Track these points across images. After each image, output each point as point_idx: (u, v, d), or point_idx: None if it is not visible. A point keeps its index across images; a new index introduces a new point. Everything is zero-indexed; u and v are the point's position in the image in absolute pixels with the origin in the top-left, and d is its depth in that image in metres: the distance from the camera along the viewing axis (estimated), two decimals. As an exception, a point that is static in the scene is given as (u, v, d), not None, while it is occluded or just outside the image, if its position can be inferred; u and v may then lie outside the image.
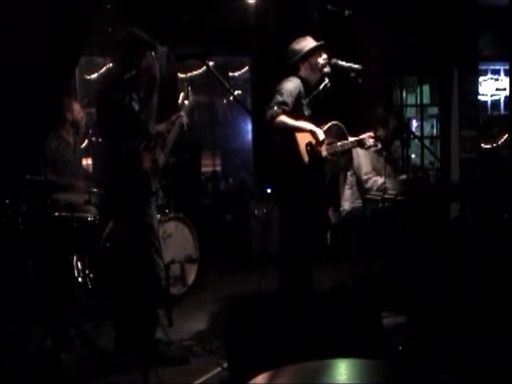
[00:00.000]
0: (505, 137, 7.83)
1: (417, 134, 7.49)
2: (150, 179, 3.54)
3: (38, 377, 3.33)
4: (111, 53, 3.64)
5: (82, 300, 4.14)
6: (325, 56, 4.02)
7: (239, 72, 7.84)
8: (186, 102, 4.23)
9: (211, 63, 5.55)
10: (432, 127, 7.95)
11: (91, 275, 4.32)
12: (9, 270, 4.03)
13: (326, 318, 2.51)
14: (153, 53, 3.52)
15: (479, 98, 7.56)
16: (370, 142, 4.22)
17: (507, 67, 7.18)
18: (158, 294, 3.61)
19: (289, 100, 3.88)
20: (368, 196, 4.69)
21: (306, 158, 3.84)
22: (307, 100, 4.05)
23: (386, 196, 4.48)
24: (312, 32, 4.19)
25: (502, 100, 8.12)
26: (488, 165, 7.24)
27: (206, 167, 7.33)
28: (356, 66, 4.00)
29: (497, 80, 8.02)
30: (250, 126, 7.81)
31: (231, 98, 7.76)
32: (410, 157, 7.19)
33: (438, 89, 7.46)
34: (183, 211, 4.87)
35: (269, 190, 6.36)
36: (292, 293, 3.48)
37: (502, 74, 7.98)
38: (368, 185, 4.79)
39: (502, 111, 8.12)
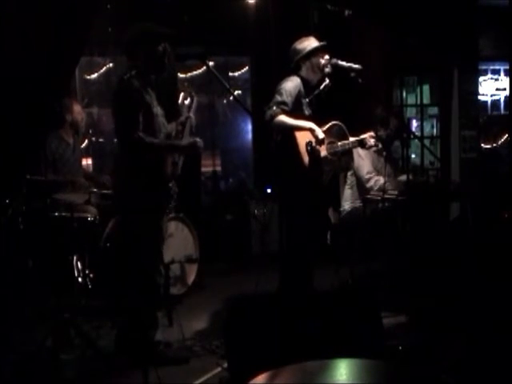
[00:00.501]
0: (505, 137, 7.83)
1: (417, 134, 7.48)
2: (171, 183, 3.51)
3: (38, 377, 3.33)
4: (127, 52, 3.54)
5: (82, 300, 4.14)
6: (326, 56, 4.02)
7: (239, 72, 7.84)
8: (186, 102, 4.22)
9: (211, 63, 5.54)
10: (432, 127, 7.94)
11: (91, 275, 4.32)
12: (9, 270, 4.04)
13: (326, 318, 2.51)
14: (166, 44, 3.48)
15: (479, 97, 7.56)
16: (371, 141, 4.22)
17: (507, 67, 7.17)
18: (157, 298, 3.60)
19: (288, 100, 3.88)
20: (368, 196, 4.69)
21: (306, 157, 3.84)
22: (307, 100, 4.05)
23: (386, 196, 4.48)
24: (312, 32, 4.20)
25: (502, 100, 8.12)
26: (488, 165, 7.25)
27: (206, 167, 7.32)
28: (356, 66, 4.00)
29: (497, 80, 8.02)
30: (249, 126, 7.81)
31: (231, 97, 7.76)
32: (410, 157, 7.19)
33: (438, 89, 7.45)
34: (183, 211, 4.87)
35: (269, 190, 6.36)
36: (292, 293, 3.48)
37: (502, 73, 7.98)
38: (369, 184, 4.79)
39: (502, 111, 8.12)
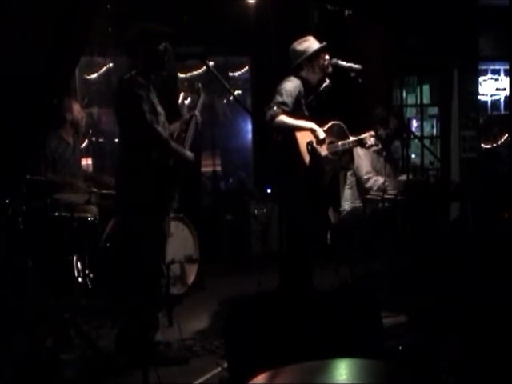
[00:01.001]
0: (505, 137, 7.82)
1: (417, 134, 7.48)
2: (175, 183, 3.52)
3: (38, 377, 3.33)
4: (128, 51, 3.54)
5: (82, 300, 4.13)
6: (326, 57, 4.02)
7: (239, 72, 7.84)
8: (186, 102, 4.20)
9: (211, 63, 5.54)
10: (432, 127, 7.94)
11: (91, 275, 4.32)
12: (9, 270, 4.04)
13: (325, 317, 2.51)
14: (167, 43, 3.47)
15: (479, 97, 7.57)
16: (371, 141, 4.22)
17: (507, 67, 7.16)
18: (158, 298, 3.60)
19: (288, 100, 3.88)
20: (368, 196, 4.69)
21: (306, 157, 3.84)
22: (307, 100, 4.05)
23: (386, 196, 4.48)
24: (312, 32, 4.20)
25: (502, 100, 8.12)
26: (488, 165, 7.24)
27: (206, 167, 7.32)
28: (356, 65, 4.00)
29: (497, 80, 8.02)
30: (250, 126, 7.81)
31: (231, 97, 7.76)
32: (410, 157, 7.19)
33: (438, 89, 7.46)
34: (183, 211, 4.87)
35: (269, 190, 6.36)
36: (292, 293, 3.48)
37: (502, 73, 7.98)
38: (368, 184, 4.79)
39: (502, 111, 8.11)
